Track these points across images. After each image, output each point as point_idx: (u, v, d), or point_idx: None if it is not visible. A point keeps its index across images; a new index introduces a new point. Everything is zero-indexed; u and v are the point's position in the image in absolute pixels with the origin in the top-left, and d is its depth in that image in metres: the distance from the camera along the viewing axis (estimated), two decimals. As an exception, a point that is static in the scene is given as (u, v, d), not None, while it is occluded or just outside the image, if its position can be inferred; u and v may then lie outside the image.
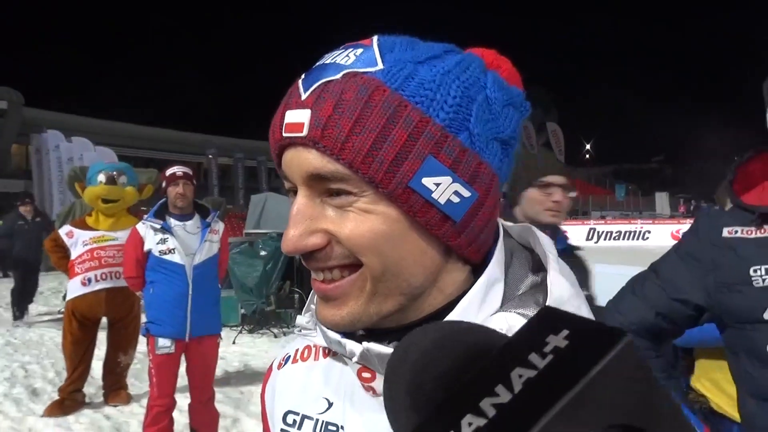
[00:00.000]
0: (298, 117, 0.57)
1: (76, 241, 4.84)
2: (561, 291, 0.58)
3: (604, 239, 27.00)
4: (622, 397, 0.26)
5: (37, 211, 9.47)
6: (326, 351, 0.74)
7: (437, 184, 0.56)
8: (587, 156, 72.23)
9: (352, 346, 0.61)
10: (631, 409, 0.26)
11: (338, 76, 0.57)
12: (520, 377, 0.27)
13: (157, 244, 3.77)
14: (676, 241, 1.71)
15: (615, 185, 49.37)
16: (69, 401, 4.94)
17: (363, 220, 0.57)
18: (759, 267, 1.45)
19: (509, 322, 0.58)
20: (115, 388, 5.17)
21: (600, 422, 0.25)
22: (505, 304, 0.61)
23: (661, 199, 40.68)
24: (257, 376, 6.00)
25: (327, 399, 0.70)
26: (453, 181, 0.56)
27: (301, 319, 0.76)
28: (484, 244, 0.63)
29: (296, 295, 8.27)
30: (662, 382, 1.56)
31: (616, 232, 27.34)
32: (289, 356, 0.79)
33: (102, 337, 5.23)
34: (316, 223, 0.58)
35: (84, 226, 4.92)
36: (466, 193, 0.57)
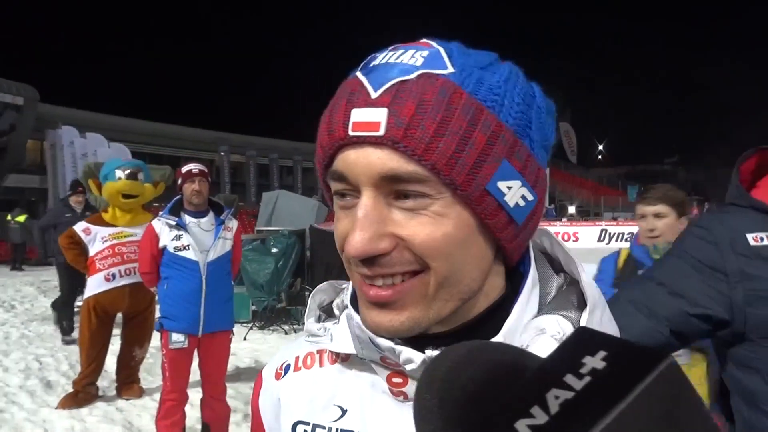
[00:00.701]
0: (371, 116, 0.55)
1: (94, 237, 4.90)
2: (593, 292, 0.61)
3: (616, 240, 26.84)
4: (664, 420, 0.25)
5: (88, 204, 7.81)
6: (333, 357, 0.72)
7: (509, 188, 0.57)
8: (599, 157, 71.81)
9: (409, 353, 0.59)
10: (673, 429, 0.25)
11: (413, 76, 0.55)
12: (557, 399, 0.26)
13: (172, 240, 3.81)
14: (678, 248, 1.55)
15: (627, 186, 49.05)
16: (83, 394, 5.02)
17: (438, 224, 0.56)
18: None
19: (561, 325, 0.59)
20: (128, 382, 5.24)
21: None
22: (542, 306, 0.63)
23: (674, 201, 40.22)
24: (268, 373, 6.03)
25: (339, 406, 0.68)
26: (521, 185, 0.57)
27: (312, 326, 0.74)
28: (524, 248, 0.64)
29: (307, 293, 8.31)
30: None
31: (628, 234, 27.17)
32: (289, 364, 0.76)
33: (116, 331, 5.30)
34: (384, 226, 0.56)
35: (101, 222, 4.97)
36: (530, 197, 0.59)
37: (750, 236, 1.41)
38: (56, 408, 4.88)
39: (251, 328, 7.82)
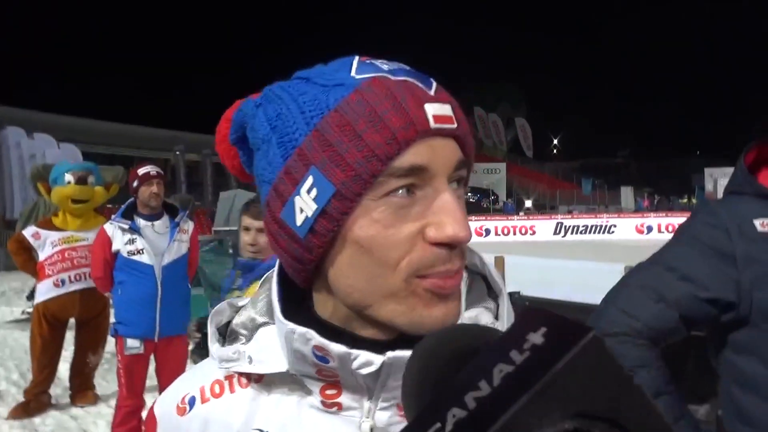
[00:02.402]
0: (445, 110, 0.58)
1: (44, 242, 4.75)
2: (500, 281, 0.67)
3: (572, 233, 27.45)
4: (590, 389, 0.28)
5: None
6: (245, 381, 0.69)
7: None
8: (555, 151, 73.21)
9: (368, 356, 0.59)
10: (599, 400, 0.28)
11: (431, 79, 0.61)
12: (500, 372, 0.30)
13: (126, 244, 3.75)
14: (685, 234, 1.56)
15: (582, 180, 50.08)
16: (34, 403, 4.88)
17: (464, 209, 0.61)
18: None
19: (483, 319, 0.64)
20: (82, 389, 5.12)
21: (567, 411, 0.28)
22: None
23: (626, 194, 41.46)
24: (227, 375, 5.98)
25: (260, 430, 0.66)
26: None
27: (223, 351, 0.68)
28: None
29: (266, 293, 8.24)
30: (674, 393, 1.45)
31: (583, 227, 27.82)
32: (194, 396, 0.71)
33: (69, 337, 5.16)
34: None
35: (51, 227, 4.83)
36: None
37: (757, 222, 1.44)
38: (7, 418, 4.73)
39: (210, 330, 7.72)
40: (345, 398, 0.63)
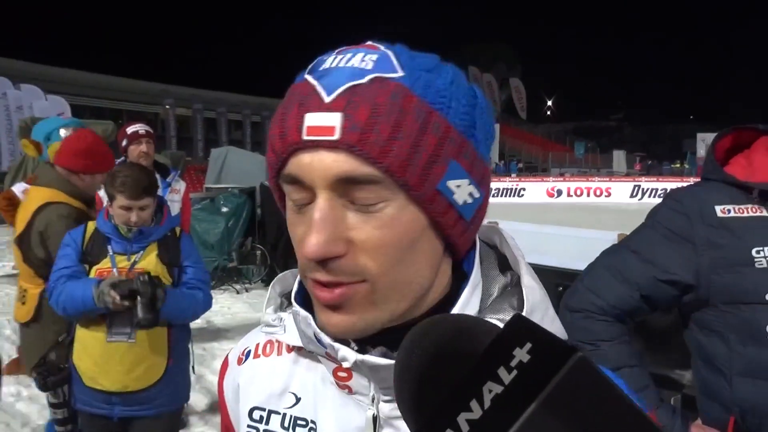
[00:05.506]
0: (325, 120, 0.55)
1: (34, 199, 4.68)
2: (534, 295, 0.63)
3: (567, 195, 27.60)
4: (580, 409, 0.28)
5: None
6: (290, 346, 0.73)
7: (458, 186, 0.59)
8: (548, 113, 72.77)
9: (345, 352, 0.61)
10: (591, 419, 0.28)
11: (365, 80, 0.56)
12: (490, 392, 0.30)
13: (117, 204, 3.69)
14: (651, 219, 1.63)
15: (575, 143, 49.94)
16: (28, 359, 4.89)
17: (391, 227, 0.57)
18: (762, 248, 1.43)
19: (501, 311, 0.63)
20: (76, 346, 5.12)
21: None
22: (483, 307, 0.64)
23: (619, 157, 41.54)
24: (219, 333, 6.04)
25: (294, 394, 0.71)
26: (469, 183, 0.60)
27: (268, 317, 0.74)
28: (470, 243, 0.66)
29: (258, 252, 8.27)
30: (636, 366, 1.52)
31: (575, 188, 27.93)
32: (250, 351, 0.78)
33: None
34: (339, 229, 0.56)
35: (41, 184, 4.75)
36: (477, 194, 0.61)
37: (718, 208, 1.50)
38: (1, 374, 4.75)
39: (202, 288, 7.74)
40: (354, 383, 0.64)
